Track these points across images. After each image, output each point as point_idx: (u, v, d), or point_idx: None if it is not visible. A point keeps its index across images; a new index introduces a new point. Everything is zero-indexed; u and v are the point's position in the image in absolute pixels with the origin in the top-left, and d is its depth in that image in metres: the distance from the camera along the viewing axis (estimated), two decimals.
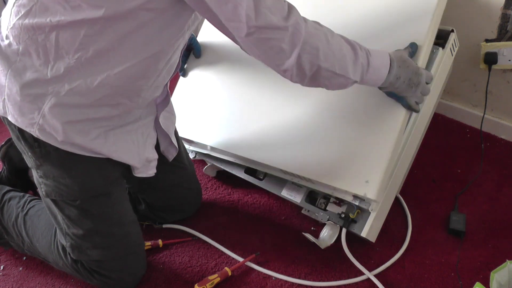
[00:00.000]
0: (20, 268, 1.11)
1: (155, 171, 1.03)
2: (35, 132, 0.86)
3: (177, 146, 1.11)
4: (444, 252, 1.11)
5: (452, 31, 1.05)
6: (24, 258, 1.13)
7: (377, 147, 0.97)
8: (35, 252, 1.09)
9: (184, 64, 1.30)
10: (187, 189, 1.21)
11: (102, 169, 0.94)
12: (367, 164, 0.97)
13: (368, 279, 1.04)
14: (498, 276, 0.91)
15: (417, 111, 0.97)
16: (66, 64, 0.80)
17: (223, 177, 1.38)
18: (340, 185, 0.99)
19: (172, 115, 1.11)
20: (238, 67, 1.22)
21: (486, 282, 0.96)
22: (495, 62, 1.35)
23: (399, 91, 0.92)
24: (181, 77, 1.32)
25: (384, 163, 0.95)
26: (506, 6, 1.29)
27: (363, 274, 1.05)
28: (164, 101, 1.03)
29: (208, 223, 1.22)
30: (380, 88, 0.92)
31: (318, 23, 0.82)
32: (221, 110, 1.22)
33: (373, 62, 0.85)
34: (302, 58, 0.77)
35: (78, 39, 0.78)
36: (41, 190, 0.96)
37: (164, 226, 1.21)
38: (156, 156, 1.02)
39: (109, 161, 0.93)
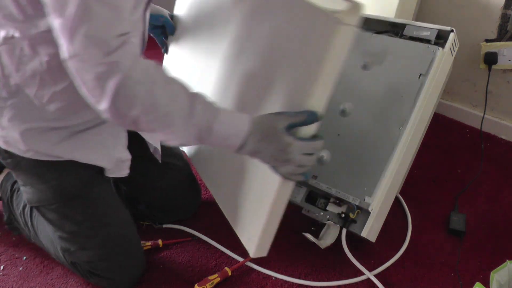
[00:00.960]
0: (20, 268, 1.10)
1: (128, 171, 0.99)
2: (2, 144, 0.88)
3: (158, 147, 1.07)
4: (444, 252, 1.11)
5: (452, 31, 1.05)
6: (24, 258, 1.13)
7: (256, 208, 0.87)
8: (40, 243, 1.10)
9: (165, 40, 1.23)
10: (184, 190, 1.20)
11: (73, 171, 0.94)
12: (249, 221, 0.90)
13: (368, 279, 1.04)
14: (498, 276, 0.91)
15: (296, 180, 0.80)
16: (14, 81, 0.81)
17: None
18: (237, 231, 0.95)
19: None
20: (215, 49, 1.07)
21: (486, 282, 0.96)
22: (495, 62, 1.35)
23: (264, 162, 0.77)
24: (165, 55, 1.28)
25: (259, 227, 0.85)
26: (506, 6, 1.30)
27: (363, 274, 1.05)
28: None
29: (208, 223, 1.22)
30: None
31: (158, 67, 0.71)
32: None
33: (218, 128, 0.72)
34: (117, 102, 0.66)
35: (15, 60, 0.79)
36: (25, 199, 0.98)
37: (164, 226, 1.21)
38: (129, 156, 0.98)
39: (79, 163, 0.92)
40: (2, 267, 1.11)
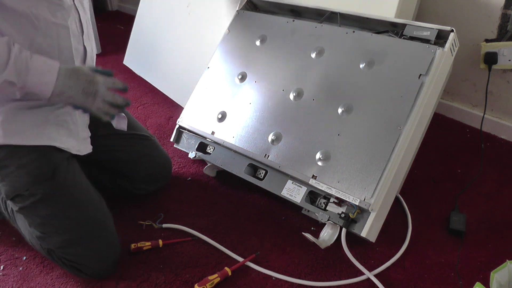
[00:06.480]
0: (20, 268, 1.10)
1: (91, 147, 1.09)
2: None
3: (123, 114, 1.16)
4: (444, 252, 1.11)
5: (452, 31, 1.05)
6: (24, 258, 1.13)
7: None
8: (18, 229, 1.12)
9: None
10: (157, 157, 1.28)
11: (47, 154, 0.98)
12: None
13: (368, 279, 1.04)
14: (498, 276, 0.91)
15: (104, 120, 0.96)
16: None
17: (223, 177, 1.38)
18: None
19: None
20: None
21: (486, 282, 0.96)
22: (495, 62, 1.35)
23: (76, 103, 0.91)
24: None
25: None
26: (506, 6, 1.30)
27: (363, 274, 1.05)
28: None
29: (208, 223, 1.22)
30: (53, 100, 0.90)
31: None
32: None
33: (34, 64, 0.84)
34: None
35: None
36: (4, 196, 1.00)
37: (164, 226, 1.21)
38: (89, 133, 1.09)
39: (52, 148, 0.98)
40: (2, 267, 1.11)
